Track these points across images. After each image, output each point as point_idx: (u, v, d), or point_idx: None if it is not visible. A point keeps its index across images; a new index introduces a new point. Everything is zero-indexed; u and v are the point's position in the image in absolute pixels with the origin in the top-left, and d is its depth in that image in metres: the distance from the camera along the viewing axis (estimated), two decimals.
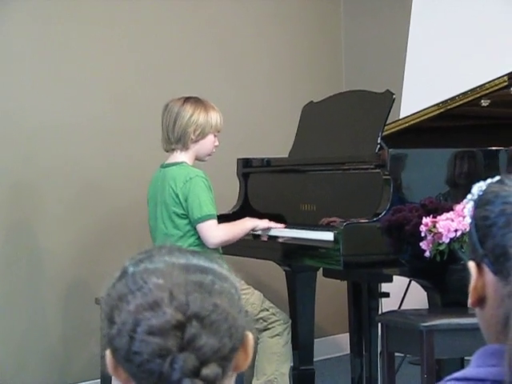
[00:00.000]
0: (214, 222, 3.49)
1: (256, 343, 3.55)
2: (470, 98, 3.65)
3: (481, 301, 1.25)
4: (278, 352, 3.65)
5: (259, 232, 3.65)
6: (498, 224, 1.22)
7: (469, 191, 1.69)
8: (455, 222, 3.01)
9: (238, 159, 4.16)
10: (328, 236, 3.22)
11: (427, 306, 3.40)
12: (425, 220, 3.08)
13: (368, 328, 3.80)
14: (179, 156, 3.58)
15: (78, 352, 4.36)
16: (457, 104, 3.67)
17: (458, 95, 3.67)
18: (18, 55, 4.24)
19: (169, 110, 3.57)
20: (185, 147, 3.57)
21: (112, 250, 4.38)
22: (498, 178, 1.30)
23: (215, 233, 3.48)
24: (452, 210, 3.07)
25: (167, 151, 3.62)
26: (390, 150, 3.28)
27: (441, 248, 3.03)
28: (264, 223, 3.63)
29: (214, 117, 3.58)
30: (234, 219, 3.72)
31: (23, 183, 4.25)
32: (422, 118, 3.73)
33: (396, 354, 3.34)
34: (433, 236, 3.04)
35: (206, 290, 1.09)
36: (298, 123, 4.11)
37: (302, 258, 3.57)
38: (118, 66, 4.57)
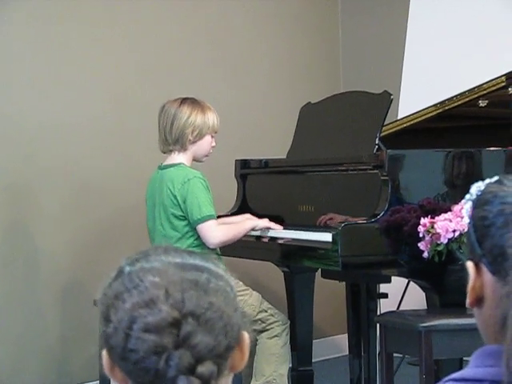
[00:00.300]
0: (214, 222, 3.49)
1: (254, 344, 3.55)
2: (467, 99, 3.66)
3: (479, 301, 1.25)
4: (277, 353, 3.64)
5: (258, 232, 3.65)
6: (497, 224, 1.22)
7: (467, 192, 1.70)
8: (453, 222, 3.01)
9: (236, 160, 4.16)
10: (326, 237, 3.22)
11: (425, 307, 3.40)
12: (423, 221, 3.08)
13: (366, 329, 3.80)
14: (177, 157, 3.58)
15: (76, 353, 4.35)
16: (455, 104, 3.67)
17: (455, 96, 3.68)
18: (17, 55, 4.24)
19: (165, 111, 3.58)
20: (183, 148, 3.57)
21: (110, 250, 4.38)
22: (496, 178, 1.30)
23: (215, 233, 3.48)
24: (450, 210, 3.07)
25: (164, 152, 3.62)
26: (388, 150, 3.28)
27: (439, 248, 3.03)
28: (264, 223, 3.63)
29: (211, 118, 3.58)
30: None
31: (21, 183, 4.24)
32: (419, 119, 3.73)
33: (394, 354, 3.34)
34: (431, 236, 3.04)
35: (201, 288, 1.10)
36: (295, 124, 4.11)
37: (300, 259, 3.57)
38: (118, 66, 4.57)
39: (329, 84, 5.31)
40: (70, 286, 4.36)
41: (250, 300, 3.62)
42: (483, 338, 1.27)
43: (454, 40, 4.80)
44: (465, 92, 3.65)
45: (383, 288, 3.82)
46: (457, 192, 3.26)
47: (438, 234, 3.01)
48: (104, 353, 1.12)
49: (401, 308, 4.27)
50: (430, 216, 3.09)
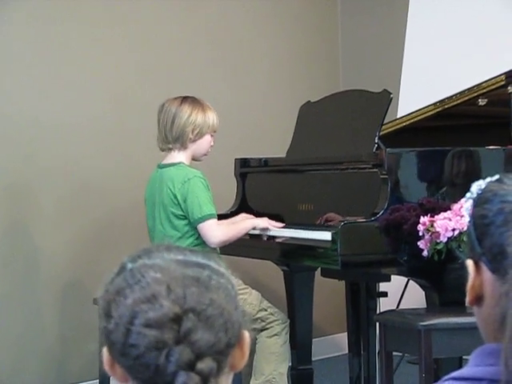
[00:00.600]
0: (215, 221, 3.50)
1: (254, 343, 3.55)
2: (467, 97, 3.66)
3: (478, 299, 1.25)
4: (277, 352, 3.65)
5: (258, 231, 3.65)
6: (496, 223, 1.22)
7: (466, 190, 1.69)
8: (453, 221, 3.01)
9: (236, 159, 4.16)
10: (326, 236, 3.22)
11: (425, 306, 3.40)
12: (422, 219, 3.08)
13: (366, 327, 3.80)
14: (176, 156, 3.58)
15: (75, 352, 4.36)
16: (454, 103, 3.67)
17: (455, 94, 3.68)
18: (17, 55, 4.24)
19: (166, 109, 3.58)
20: (183, 146, 3.57)
21: (110, 250, 4.38)
22: (497, 176, 1.30)
23: (216, 232, 3.48)
24: (450, 209, 3.07)
25: (163, 150, 3.62)
26: (388, 149, 3.28)
27: (439, 247, 3.03)
28: (264, 222, 3.64)
29: (212, 117, 3.59)
30: None
31: (21, 183, 4.24)
32: (419, 118, 3.73)
33: (394, 353, 3.34)
34: (430, 235, 3.04)
35: (202, 284, 1.11)
36: (295, 123, 4.11)
37: (299, 257, 3.57)
38: (118, 66, 4.57)
39: (328, 83, 5.32)
40: (69, 285, 4.36)
41: (249, 299, 3.62)
42: (483, 337, 1.27)
43: (453, 40, 4.80)
44: (464, 91, 3.65)
45: (383, 287, 3.82)
46: (456, 191, 3.26)
47: (438, 232, 3.01)
48: (104, 350, 1.12)
49: (400, 307, 4.27)
50: (429, 215, 3.09)
